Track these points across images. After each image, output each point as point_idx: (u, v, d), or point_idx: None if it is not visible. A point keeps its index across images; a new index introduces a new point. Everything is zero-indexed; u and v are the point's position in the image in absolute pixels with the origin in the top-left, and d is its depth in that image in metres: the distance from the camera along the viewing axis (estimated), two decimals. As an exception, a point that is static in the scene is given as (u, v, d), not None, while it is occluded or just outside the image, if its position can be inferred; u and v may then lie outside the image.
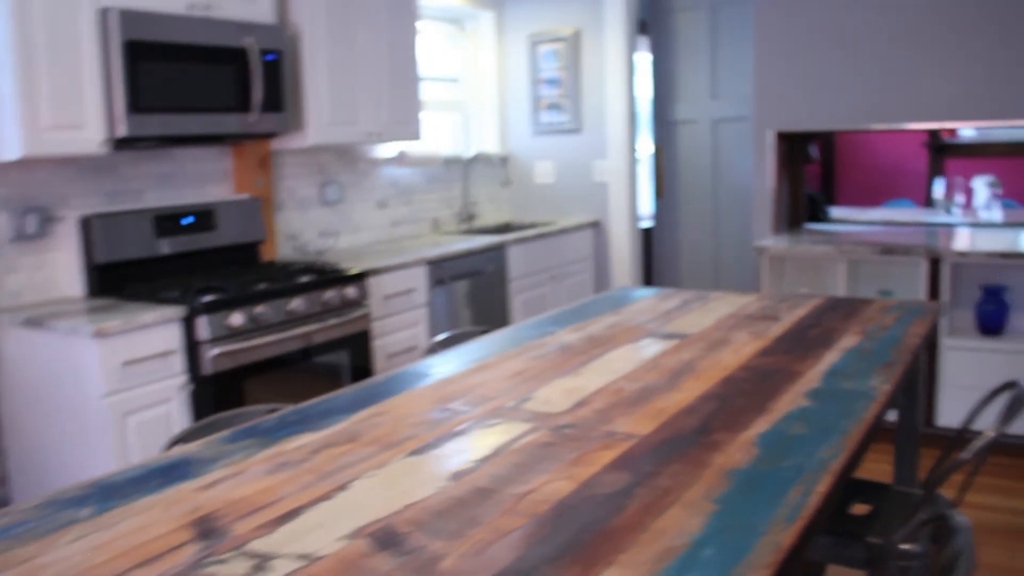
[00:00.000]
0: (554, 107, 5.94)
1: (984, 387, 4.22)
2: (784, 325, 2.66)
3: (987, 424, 2.10)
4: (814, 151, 8.17)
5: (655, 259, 6.05)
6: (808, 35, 4.80)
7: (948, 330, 4.39)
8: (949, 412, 4.42)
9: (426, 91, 5.70)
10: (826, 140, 8.49)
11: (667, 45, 5.78)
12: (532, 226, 5.69)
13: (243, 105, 3.96)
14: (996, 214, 6.30)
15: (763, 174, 5.02)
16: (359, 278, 4.12)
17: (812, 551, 2.25)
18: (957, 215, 6.48)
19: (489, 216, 6.07)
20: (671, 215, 5.88)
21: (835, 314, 2.79)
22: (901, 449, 2.90)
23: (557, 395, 2.04)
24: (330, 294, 3.97)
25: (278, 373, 3.77)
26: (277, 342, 3.74)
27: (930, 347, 4.40)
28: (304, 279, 3.92)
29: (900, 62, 4.63)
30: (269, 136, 4.25)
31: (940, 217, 6.44)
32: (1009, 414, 2.12)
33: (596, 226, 5.88)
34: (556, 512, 1.42)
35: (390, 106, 4.77)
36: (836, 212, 6.93)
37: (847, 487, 2.52)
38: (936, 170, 8.09)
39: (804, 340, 2.46)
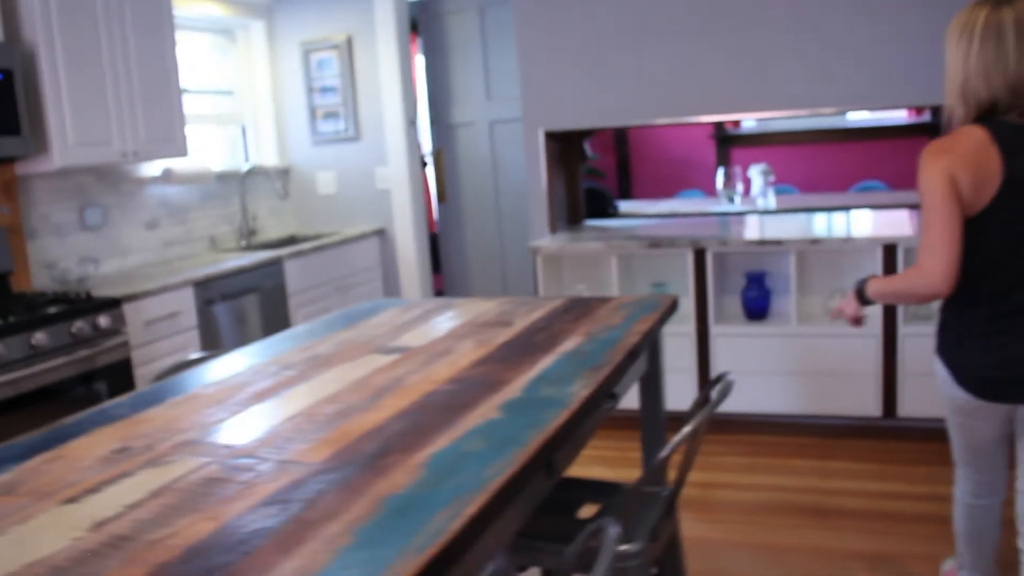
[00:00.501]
0: (332, 115, 5.83)
1: (754, 370, 4.37)
2: (514, 331, 2.64)
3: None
4: (590, 149, 8.34)
5: (443, 264, 6.02)
6: (569, 33, 4.85)
7: (716, 317, 4.51)
8: (730, 399, 4.54)
9: (196, 105, 5.50)
10: (619, 135, 8.67)
11: (440, 48, 5.74)
12: (316, 238, 5.57)
13: (-31, 129, 3.71)
14: (771, 201, 6.55)
15: (536, 174, 5.05)
16: (112, 305, 3.91)
17: (543, 559, 2.24)
18: (737, 203, 6.71)
19: (272, 230, 5.90)
20: (455, 219, 5.86)
21: (568, 316, 2.79)
22: (647, 440, 2.93)
23: (245, 425, 1.95)
24: (79, 324, 3.76)
25: (30, 410, 3.53)
26: (20, 379, 3.51)
27: (702, 336, 4.51)
28: (50, 310, 3.70)
29: (661, 57, 4.72)
30: (4, 162, 4.00)
31: (721, 206, 6.65)
32: (714, 402, 2.16)
33: (381, 234, 5.80)
34: (184, 558, 1.33)
35: (148, 123, 4.57)
36: (625, 206, 7.08)
37: (578, 488, 2.53)
38: (723, 160, 8.37)
39: (527, 346, 2.45)
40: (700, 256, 4.47)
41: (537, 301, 3.07)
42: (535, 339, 2.52)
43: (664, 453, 1.93)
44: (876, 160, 8.03)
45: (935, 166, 2.23)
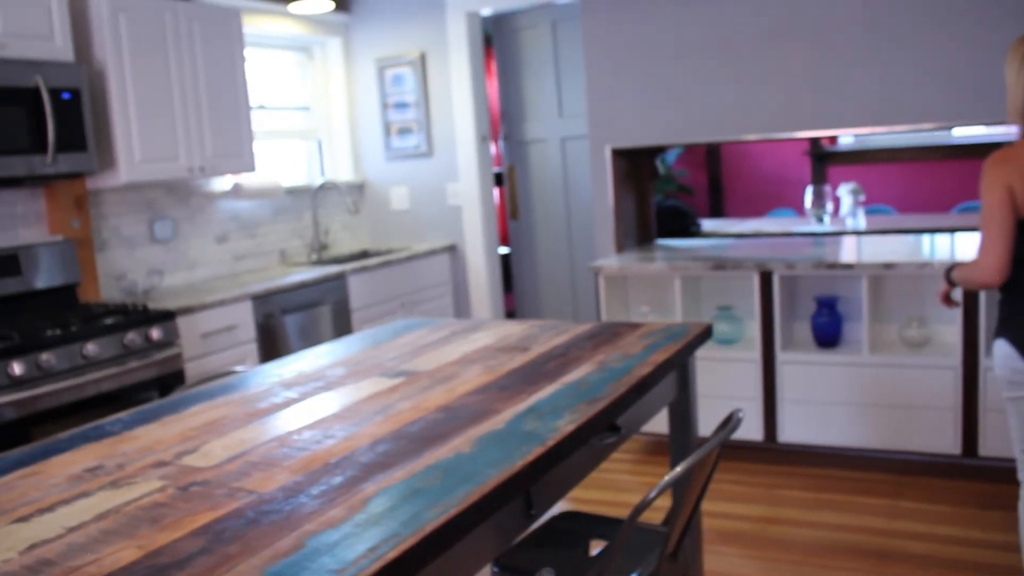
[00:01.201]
0: (405, 131, 5.86)
1: (822, 401, 4.19)
2: (528, 357, 2.57)
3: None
4: (674, 166, 8.18)
5: (515, 282, 5.97)
6: (636, 48, 4.76)
7: (783, 344, 4.34)
8: (791, 428, 4.37)
9: (274, 121, 5.60)
10: (711, 151, 8.50)
11: (514, 64, 5.71)
12: (387, 252, 5.59)
13: (37, 146, 3.83)
14: (860, 221, 6.31)
15: (603, 192, 4.96)
16: (166, 317, 3.98)
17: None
18: (826, 223, 6.48)
19: (344, 245, 5.95)
20: (527, 237, 5.80)
21: (590, 343, 2.70)
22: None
23: (222, 448, 1.93)
24: (132, 336, 3.84)
25: (79, 418, 3.62)
26: (70, 388, 3.60)
27: (767, 363, 4.35)
28: (107, 321, 3.80)
29: (728, 73, 4.59)
30: (73, 176, 4.12)
31: (809, 226, 6.44)
32: (714, 438, 2.05)
33: (452, 250, 5.79)
34: (91, 591, 1.31)
35: (215, 139, 4.66)
36: (709, 225, 6.91)
37: (590, 522, 2.44)
38: (819, 178, 8.12)
39: (534, 374, 2.37)
40: (766, 279, 4.31)
41: (566, 326, 2.99)
42: (545, 367, 2.44)
43: (653, 494, 1.83)
44: (976, 178, 7.65)
45: (994, 173, 2.60)
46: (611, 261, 4.67)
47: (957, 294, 2.92)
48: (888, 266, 4.09)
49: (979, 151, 7.59)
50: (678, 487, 2.38)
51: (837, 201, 6.51)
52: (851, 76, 4.38)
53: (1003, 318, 2.73)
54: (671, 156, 8.30)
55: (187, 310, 4.11)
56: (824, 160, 8.17)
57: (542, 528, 2.36)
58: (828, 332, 4.36)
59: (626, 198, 5.07)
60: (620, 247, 4.99)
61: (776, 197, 8.25)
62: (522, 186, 5.74)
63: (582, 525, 2.40)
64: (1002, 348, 2.70)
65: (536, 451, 1.78)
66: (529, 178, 5.73)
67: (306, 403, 2.24)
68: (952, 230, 5.72)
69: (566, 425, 1.93)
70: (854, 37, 4.37)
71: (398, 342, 2.91)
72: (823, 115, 4.47)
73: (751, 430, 4.45)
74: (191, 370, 4.11)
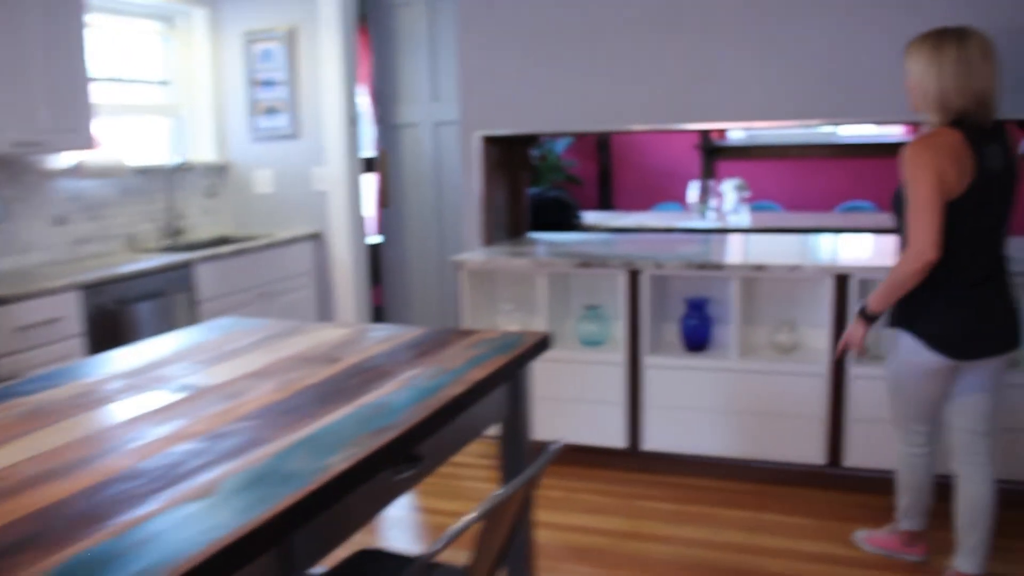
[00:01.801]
0: (273, 111, 5.46)
1: (689, 407, 3.96)
2: (334, 369, 2.24)
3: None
4: (549, 154, 7.92)
5: (384, 272, 5.61)
6: (514, 30, 4.44)
7: (650, 347, 4.09)
8: (656, 435, 4.13)
9: (131, 95, 5.15)
10: (601, 141, 8.25)
11: (389, 43, 5.34)
12: (248, 239, 5.19)
13: None
14: (744, 218, 6.12)
15: (472, 181, 4.64)
16: (-29, 309, 3.54)
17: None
18: (710, 219, 6.28)
19: (204, 230, 5.53)
20: (398, 226, 5.45)
21: (412, 352, 2.38)
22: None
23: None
24: (-71, 329, 3.39)
25: None
26: None
27: (632, 367, 4.09)
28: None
29: (611, 61, 4.31)
30: None
31: (692, 222, 6.23)
32: (527, 474, 1.75)
33: (316, 239, 5.41)
34: None
35: (50, 112, 4.20)
36: (592, 217, 6.66)
37: (390, 563, 2.12)
38: (708, 173, 7.94)
39: (332, 392, 2.04)
40: (634, 279, 4.05)
41: (392, 332, 2.66)
42: (348, 383, 2.11)
43: (439, 546, 1.52)
44: (866, 179, 7.56)
45: (923, 157, 2.70)
46: (475, 255, 4.36)
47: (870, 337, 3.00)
48: (759, 268, 3.86)
49: (864, 151, 7.48)
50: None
51: (722, 197, 6.32)
52: (733, 69, 4.14)
53: (911, 311, 2.88)
54: (560, 145, 8.03)
55: (1, 300, 3.67)
56: (713, 155, 7.99)
57: (333, 571, 2.04)
58: (697, 335, 4.12)
59: (497, 189, 4.76)
60: (488, 240, 4.68)
61: (665, 190, 8.05)
62: (394, 172, 5.38)
63: (381, 567, 2.08)
64: (908, 341, 2.91)
65: (286, 500, 1.45)
66: (401, 164, 5.36)
67: (44, 433, 1.86)
68: (835, 230, 5.58)
69: (340, 463, 1.61)
70: (736, 30, 4.12)
71: (203, 346, 2.55)
72: (704, 107, 4.22)
73: (614, 437, 4.20)
74: (5, 367, 3.67)
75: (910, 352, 2.92)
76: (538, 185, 7.92)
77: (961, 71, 2.71)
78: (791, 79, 4.07)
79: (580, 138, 8.18)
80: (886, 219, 6.41)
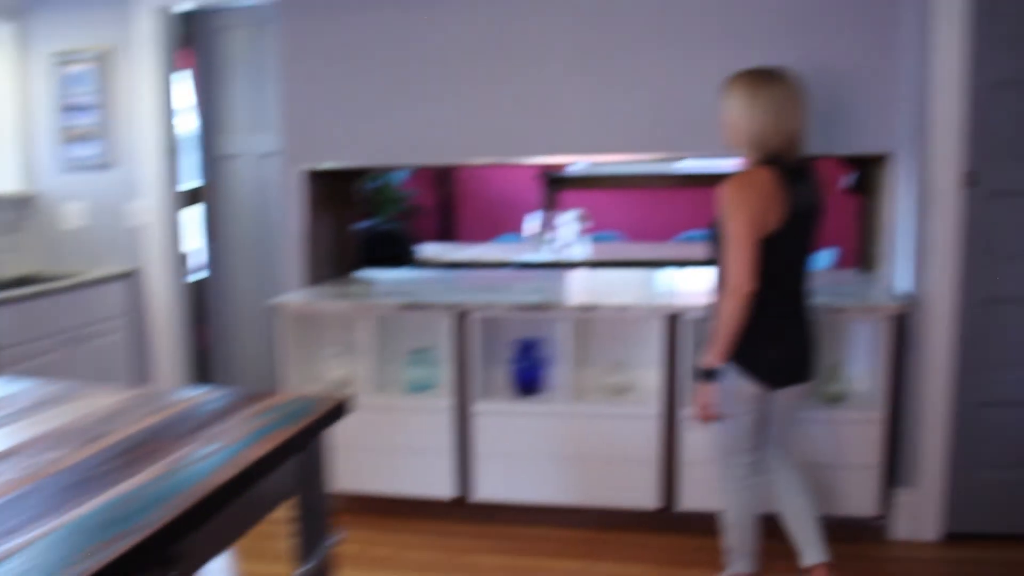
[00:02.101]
0: (84, 138, 5.04)
1: (521, 454, 3.79)
2: (95, 448, 1.94)
3: None
4: (387, 186, 7.70)
5: (210, 312, 5.25)
6: (343, 61, 4.20)
7: (479, 392, 3.90)
8: (487, 484, 3.93)
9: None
10: (443, 172, 8.06)
11: (213, 68, 5.00)
12: (56, 278, 4.75)
13: None
14: (583, 250, 6.02)
15: (293, 217, 4.36)
16: None
17: None
18: (551, 251, 6.16)
19: (6, 268, 5.05)
20: (225, 263, 5.10)
21: (188, 425, 2.10)
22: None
23: None
24: None
25: None
26: None
27: (461, 413, 3.88)
28: None
29: (443, 92, 4.11)
30: None
31: (531, 255, 6.09)
32: None
33: (131, 277, 5.01)
34: None
35: None
36: (430, 250, 6.46)
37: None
38: (550, 203, 7.85)
39: (79, 482, 1.75)
40: (461, 321, 3.85)
41: (172, 398, 2.37)
42: (103, 468, 1.82)
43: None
44: (705, 208, 7.58)
45: (739, 195, 2.80)
46: (293, 298, 4.08)
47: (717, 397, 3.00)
48: (588, 308, 3.72)
49: (702, 181, 7.52)
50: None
51: (560, 229, 6.21)
52: (569, 102, 4.01)
53: (739, 346, 2.91)
54: (398, 175, 7.81)
55: None
56: (556, 185, 7.92)
57: None
58: (528, 378, 3.95)
59: (322, 225, 4.50)
60: (312, 280, 4.40)
61: (508, 221, 7.92)
62: (220, 205, 5.03)
63: None
64: (731, 372, 2.93)
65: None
66: (227, 196, 5.02)
67: None
68: (672, 263, 5.53)
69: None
70: (571, 63, 3.99)
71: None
72: (538, 141, 4.06)
73: (443, 487, 3.98)
74: None
75: (732, 382, 2.94)
76: (377, 217, 7.68)
77: (774, 111, 2.82)
78: (627, 113, 3.96)
79: (419, 168, 7.97)
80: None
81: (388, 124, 4.17)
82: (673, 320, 3.66)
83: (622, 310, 3.69)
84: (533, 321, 4.04)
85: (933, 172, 3.56)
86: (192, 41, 5.04)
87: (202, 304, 5.34)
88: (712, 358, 2.94)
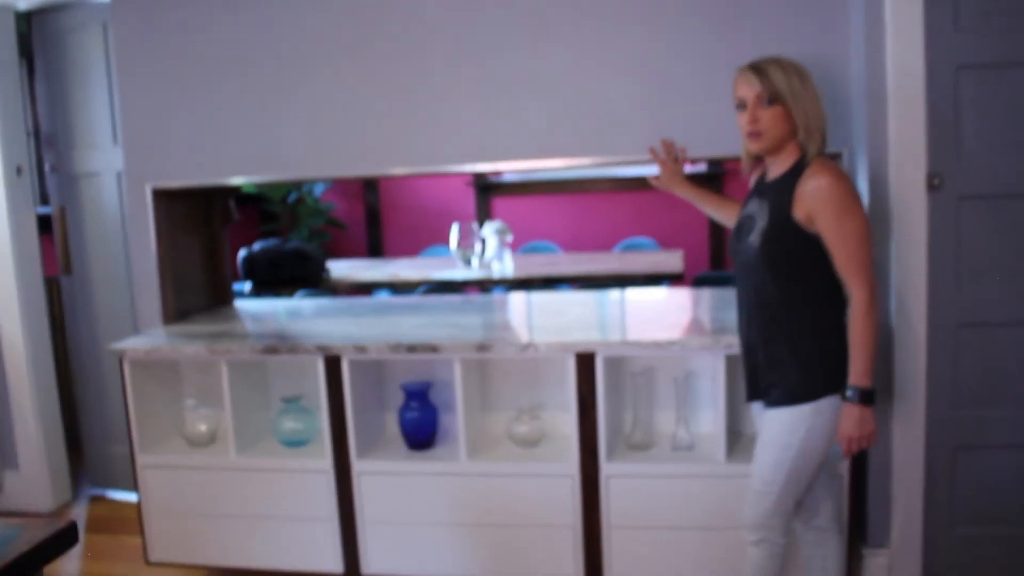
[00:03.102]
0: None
1: (414, 520, 3.08)
2: None
3: None
4: (308, 197, 6.95)
5: (72, 356, 4.44)
6: (187, 63, 3.45)
7: (363, 448, 3.16)
8: (377, 555, 3.19)
9: None
10: (369, 181, 7.30)
11: (61, 75, 4.21)
12: None
13: None
14: (507, 265, 5.29)
15: (145, 243, 3.60)
16: None
17: None
18: (474, 266, 5.43)
19: None
20: (85, 298, 4.28)
21: None
22: None
23: None
24: None
25: None
26: None
27: (341, 473, 3.14)
28: None
29: (309, 99, 3.37)
30: None
31: (451, 272, 5.36)
32: None
33: (-24, 318, 4.21)
34: None
35: None
36: (343, 268, 5.73)
37: None
38: (483, 211, 7.11)
39: None
40: (334, 365, 3.11)
41: None
42: None
43: None
44: (647, 213, 6.90)
45: (851, 189, 2.32)
46: (136, 342, 3.32)
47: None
48: (483, 347, 2.99)
49: (644, 185, 6.79)
50: None
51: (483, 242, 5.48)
52: (449, 105, 3.28)
53: (826, 371, 2.38)
54: (319, 186, 7.04)
55: None
56: (488, 192, 7.17)
57: None
58: (420, 431, 3.21)
59: (186, 250, 3.74)
60: (175, 315, 3.65)
61: (440, 232, 7.16)
62: (75, 232, 4.24)
63: None
64: (830, 407, 2.38)
65: None
66: (84, 222, 4.23)
67: None
68: (608, 281, 4.84)
69: None
70: (449, 59, 3.26)
71: None
72: (414, 150, 3.33)
73: (328, 560, 3.24)
74: None
75: (830, 422, 2.38)
76: (294, 233, 6.91)
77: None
78: (527, 115, 3.24)
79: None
80: (665, 258, 5.77)
81: (244, 134, 3.42)
82: (586, 360, 2.94)
83: (524, 349, 2.96)
84: (423, 362, 3.31)
85: (892, 173, 2.87)
86: (35, 44, 4.25)
87: (64, 348, 4.54)
88: (866, 376, 2.31)
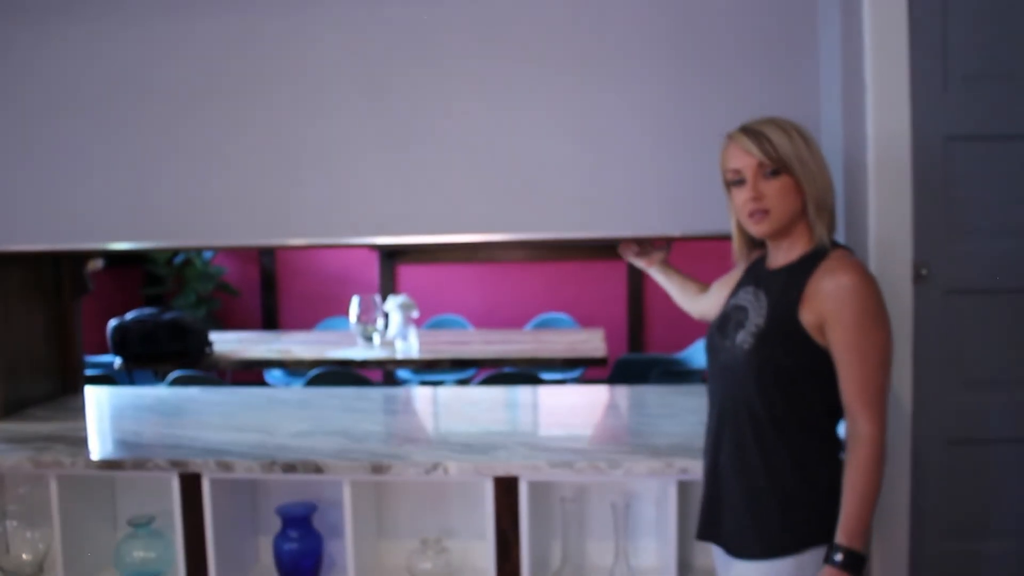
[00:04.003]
0: None
1: None
2: None
3: None
4: (197, 259, 6.23)
5: None
6: (30, 104, 2.75)
7: (226, 588, 2.46)
8: None
9: None
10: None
11: None
12: None
13: None
14: (412, 344, 4.64)
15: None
16: None
17: None
18: (375, 344, 4.77)
19: None
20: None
21: None
22: None
23: None
24: None
25: None
26: None
27: (197, 620, 2.43)
28: None
29: (181, 143, 2.71)
30: None
31: (351, 350, 4.69)
32: None
33: None
34: None
35: None
36: (230, 341, 5.01)
37: None
38: (388, 280, 6.47)
39: None
40: (192, 485, 2.41)
41: None
42: None
43: None
44: (564, 283, 6.35)
45: (879, 295, 1.78)
46: (-59, 449, 2.57)
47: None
48: (379, 468, 2.33)
49: (561, 252, 6.26)
50: None
51: (386, 317, 4.84)
52: (344, 168, 2.66)
53: (827, 511, 1.78)
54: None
55: None
56: (394, 258, 6.54)
57: None
58: (300, 565, 2.52)
59: (23, 327, 3.02)
60: (3, 407, 2.90)
61: (341, 300, 6.48)
62: None
63: None
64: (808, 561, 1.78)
65: None
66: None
67: None
68: (520, 365, 4.25)
69: None
70: (362, 116, 2.65)
71: None
72: (294, 218, 2.69)
73: None
74: None
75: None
76: (185, 298, 6.15)
77: None
78: (463, 183, 2.64)
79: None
80: (584, 338, 5.20)
81: (107, 189, 2.73)
82: (506, 488, 2.31)
83: (431, 470, 2.32)
84: (304, 482, 2.63)
85: (873, 262, 2.34)
86: None
87: None
88: (861, 537, 1.72)
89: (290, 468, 2.34)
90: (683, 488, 2.35)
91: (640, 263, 2.52)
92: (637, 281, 6.14)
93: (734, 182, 1.85)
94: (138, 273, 6.36)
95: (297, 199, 2.65)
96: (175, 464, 2.39)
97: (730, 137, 1.86)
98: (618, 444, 2.46)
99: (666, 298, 2.51)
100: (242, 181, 2.66)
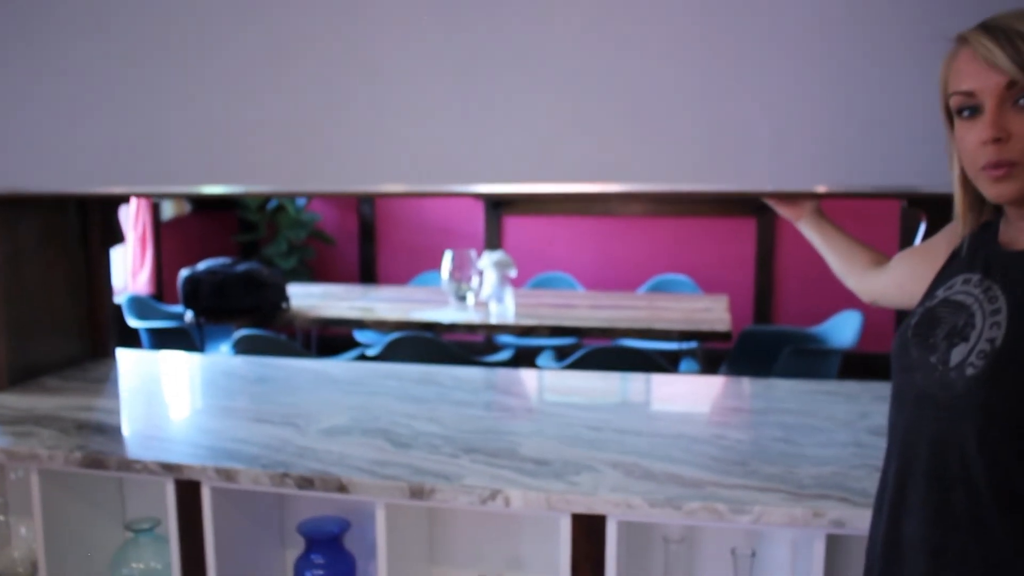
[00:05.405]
0: None
1: None
2: None
3: None
4: (290, 206, 5.72)
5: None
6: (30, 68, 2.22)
7: (234, 622, 1.91)
8: None
9: None
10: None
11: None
12: None
13: None
14: (508, 307, 4.03)
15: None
16: None
17: None
18: (468, 304, 4.19)
19: None
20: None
21: None
22: None
23: None
24: None
25: None
26: None
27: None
28: None
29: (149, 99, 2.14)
30: None
31: (439, 311, 4.11)
32: None
33: None
34: None
35: None
36: (316, 294, 4.52)
37: None
38: (493, 231, 5.85)
39: None
40: (190, 493, 1.86)
41: None
42: None
43: None
44: (685, 242, 5.61)
45: None
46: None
47: None
48: (419, 492, 1.72)
49: (686, 206, 5.52)
50: None
51: (481, 275, 4.24)
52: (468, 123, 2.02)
53: None
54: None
55: None
56: (500, 208, 5.92)
57: None
58: (326, 593, 1.95)
59: (39, 283, 2.52)
60: (6, 378, 2.42)
61: (441, 253, 5.93)
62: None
63: None
64: None
65: None
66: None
67: None
68: (629, 334, 3.60)
69: None
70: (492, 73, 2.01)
71: None
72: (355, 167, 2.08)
73: None
74: None
75: None
76: (276, 246, 5.70)
77: None
78: (570, 135, 1.98)
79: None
80: (706, 307, 4.48)
81: (103, 130, 2.19)
82: (591, 524, 1.67)
83: (488, 499, 1.70)
84: (329, 499, 2.05)
85: None
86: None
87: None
88: None
89: (306, 483, 1.76)
90: (833, 542, 1.66)
91: (788, 213, 1.82)
92: (768, 240, 5.35)
93: (963, 110, 1.13)
94: (231, 218, 5.94)
95: (393, 143, 2.04)
96: (168, 468, 1.84)
97: (962, 39, 1.14)
98: (745, 473, 1.77)
99: (801, 262, 1.84)
100: (332, 125, 2.07)
